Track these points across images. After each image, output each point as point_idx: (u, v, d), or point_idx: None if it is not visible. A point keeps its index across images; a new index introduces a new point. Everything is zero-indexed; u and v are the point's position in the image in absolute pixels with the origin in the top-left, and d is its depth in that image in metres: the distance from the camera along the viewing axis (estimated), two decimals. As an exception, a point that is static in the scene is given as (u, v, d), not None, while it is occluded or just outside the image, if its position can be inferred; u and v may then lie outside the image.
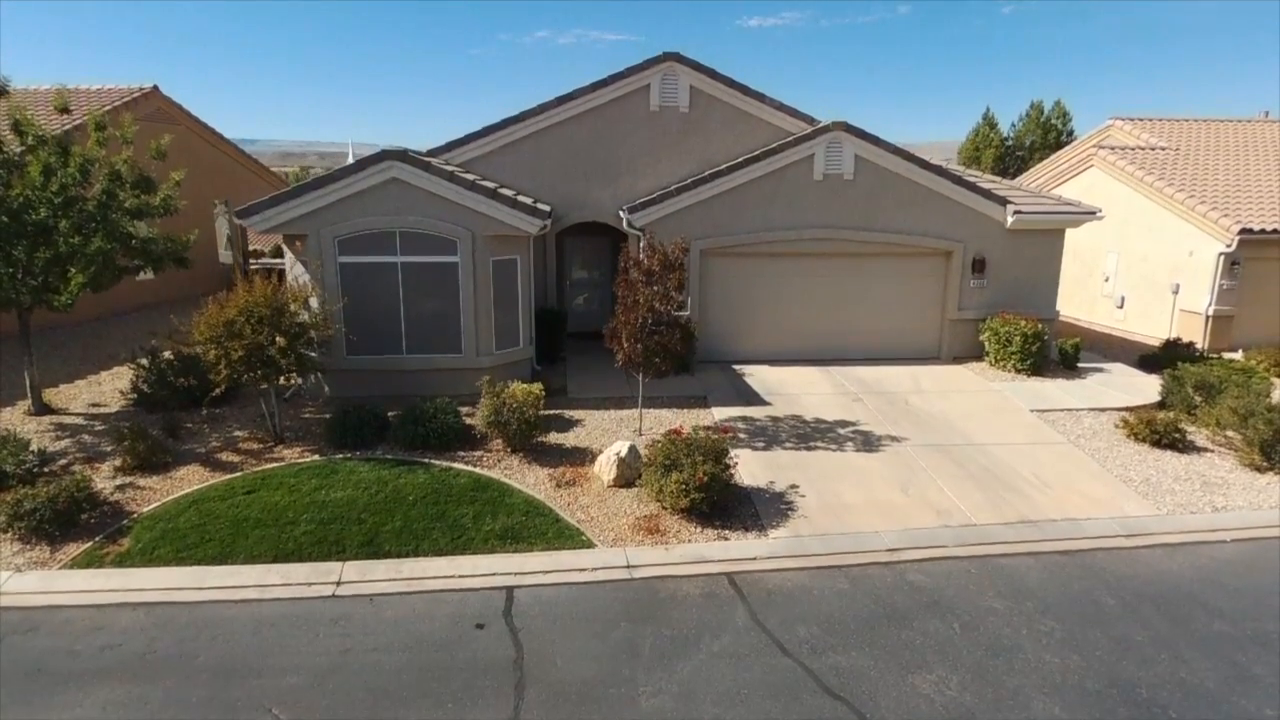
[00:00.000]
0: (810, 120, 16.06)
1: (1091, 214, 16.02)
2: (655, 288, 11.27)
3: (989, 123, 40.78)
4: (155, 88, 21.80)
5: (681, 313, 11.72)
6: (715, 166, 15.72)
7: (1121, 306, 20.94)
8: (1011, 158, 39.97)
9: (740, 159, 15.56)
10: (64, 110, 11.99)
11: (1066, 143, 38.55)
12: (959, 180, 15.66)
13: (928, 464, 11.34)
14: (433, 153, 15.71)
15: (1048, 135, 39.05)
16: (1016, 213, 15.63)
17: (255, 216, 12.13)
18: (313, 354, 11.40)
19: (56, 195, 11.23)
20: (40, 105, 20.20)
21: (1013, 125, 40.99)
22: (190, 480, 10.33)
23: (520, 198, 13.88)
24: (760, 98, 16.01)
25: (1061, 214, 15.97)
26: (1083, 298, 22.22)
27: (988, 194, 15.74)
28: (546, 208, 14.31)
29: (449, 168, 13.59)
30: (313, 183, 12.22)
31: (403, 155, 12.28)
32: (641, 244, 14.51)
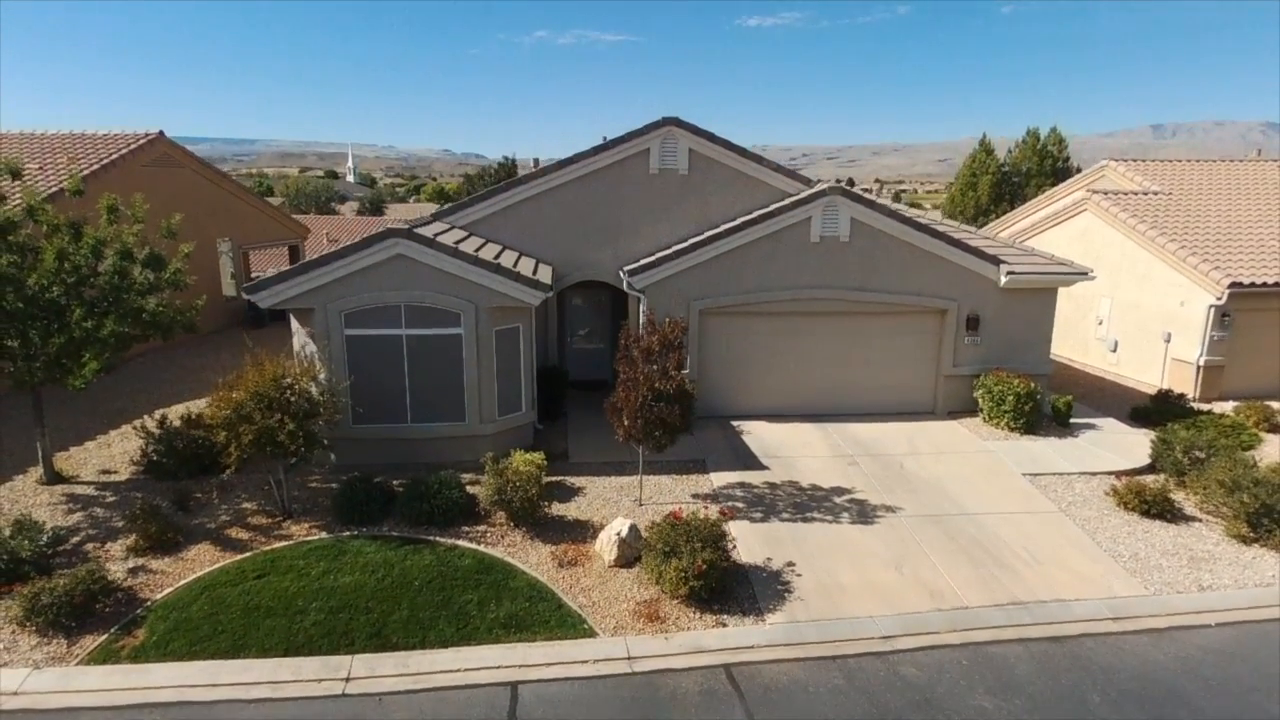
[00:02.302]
0: (806, 181, 16.36)
1: (1083, 274, 16.31)
2: (655, 366, 11.55)
3: (985, 149, 41.10)
4: (160, 133, 22.15)
5: (681, 371, 11.89)
6: (714, 227, 16.00)
7: (1115, 350, 21.21)
8: (1008, 184, 40.30)
9: (739, 220, 15.86)
10: (77, 193, 12.19)
11: (1063, 169, 38.95)
12: (952, 241, 15.93)
13: (921, 538, 11.59)
14: (437, 215, 16.03)
15: (1044, 162, 39.43)
16: (1010, 273, 15.91)
17: (264, 292, 12.41)
18: (320, 425, 11.65)
19: (70, 275, 11.51)
20: (49, 152, 20.55)
21: (1009, 151, 41.35)
22: (201, 561, 10.59)
23: (521, 267, 14.14)
24: (758, 160, 16.32)
25: (1054, 274, 16.24)
26: (1076, 339, 22.48)
27: (981, 253, 16.02)
28: (548, 278, 14.53)
29: (453, 238, 13.85)
30: (319, 260, 12.50)
31: (408, 233, 12.57)
32: (642, 311, 14.78)
